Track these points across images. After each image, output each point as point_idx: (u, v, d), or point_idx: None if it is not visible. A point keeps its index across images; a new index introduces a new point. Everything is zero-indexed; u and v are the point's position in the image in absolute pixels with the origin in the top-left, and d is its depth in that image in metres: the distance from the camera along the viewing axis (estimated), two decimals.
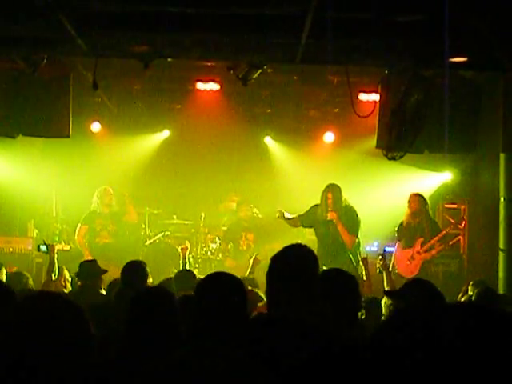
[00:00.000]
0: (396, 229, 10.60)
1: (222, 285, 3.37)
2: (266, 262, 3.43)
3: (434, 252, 10.23)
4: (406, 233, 10.44)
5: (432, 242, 10.22)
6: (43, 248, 8.01)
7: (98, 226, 11.14)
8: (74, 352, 2.26)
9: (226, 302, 3.26)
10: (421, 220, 10.33)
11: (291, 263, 3.33)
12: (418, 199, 10.40)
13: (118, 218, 11.26)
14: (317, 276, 3.37)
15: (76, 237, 11.11)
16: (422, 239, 10.26)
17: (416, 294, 4.05)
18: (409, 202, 10.45)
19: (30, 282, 7.46)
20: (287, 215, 9.90)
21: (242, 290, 3.38)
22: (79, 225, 11.14)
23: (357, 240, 9.58)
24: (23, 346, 2.22)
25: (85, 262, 7.29)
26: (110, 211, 11.23)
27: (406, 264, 10.23)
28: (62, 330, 2.27)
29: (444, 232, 10.45)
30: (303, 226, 10.13)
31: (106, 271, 7.20)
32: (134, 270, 6.12)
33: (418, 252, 10.24)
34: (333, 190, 9.63)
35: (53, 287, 7.48)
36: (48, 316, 2.29)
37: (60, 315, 2.30)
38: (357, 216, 9.62)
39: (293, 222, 10.09)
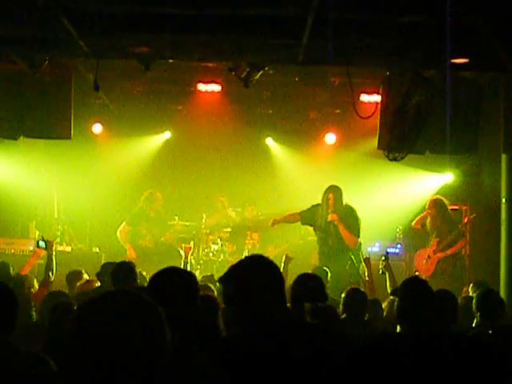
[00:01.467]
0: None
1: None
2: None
3: (449, 251, 10.56)
4: (425, 234, 10.91)
5: (448, 240, 10.45)
6: (42, 244, 8.03)
7: (144, 229, 11.30)
8: (155, 352, 2.18)
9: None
10: (437, 222, 10.74)
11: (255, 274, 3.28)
12: (433, 203, 10.84)
13: (163, 225, 11.42)
14: (281, 285, 3.32)
15: (119, 233, 11.22)
16: (438, 239, 10.54)
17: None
18: (425, 207, 10.95)
19: (35, 284, 7.45)
20: (279, 218, 10.01)
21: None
22: (124, 223, 11.26)
23: (358, 240, 9.60)
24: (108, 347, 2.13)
25: (108, 263, 7.22)
26: (158, 216, 11.41)
27: (423, 263, 10.81)
28: (147, 330, 2.18)
29: (457, 230, 10.66)
30: (302, 223, 10.14)
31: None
32: (123, 271, 6.09)
33: (434, 251, 10.66)
34: (334, 191, 9.67)
35: (51, 285, 7.45)
36: (132, 316, 2.16)
37: (142, 315, 2.18)
38: (357, 216, 9.64)
39: (292, 218, 10.12)
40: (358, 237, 9.59)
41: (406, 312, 3.70)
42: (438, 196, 11.04)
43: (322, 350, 3.13)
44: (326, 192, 9.73)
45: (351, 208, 9.70)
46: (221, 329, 4.23)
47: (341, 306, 5.92)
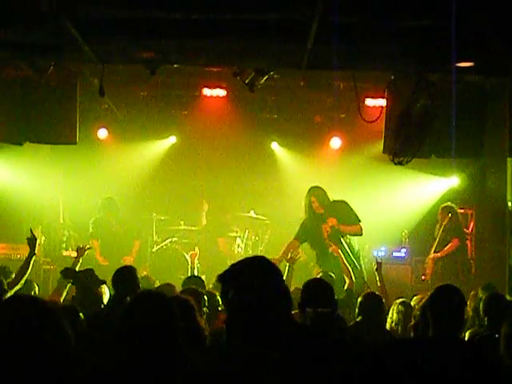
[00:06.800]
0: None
1: None
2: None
3: (440, 253, 10.68)
4: (430, 239, 11.03)
5: (440, 241, 10.69)
6: None
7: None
8: (46, 356, 2.26)
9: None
10: (440, 228, 10.78)
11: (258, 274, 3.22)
12: (440, 210, 10.87)
13: None
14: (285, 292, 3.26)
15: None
16: (436, 243, 10.77)
17: None
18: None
19: (36, 290, 7.42)
20: (279, 256, 9.04)
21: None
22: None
23: (361, 226, 9.37)
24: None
25: (81, 270, 7.06)
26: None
27: (425, 268, 10.94)
28: (33, 334, 2.27)
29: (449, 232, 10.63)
30: (302, 242, 9.66)
31: (104, 282, 6.82)
32: (123, 276, 6.04)
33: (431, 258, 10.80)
34: (314, 192, 9.47)
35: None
36: (18, 320, 2.29)
37: (30, 319, 2.29)
38: (348, 205, 9.46)
39: (291, 247, 9.35)
40: (359, 222, 9.37)
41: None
42: (448, 203, 10.98)
43: (321, 355, 3.10)
44: (306, 196, 9.49)
45: (339, 201, 9.52)
46: (203, 329, 4.24)
47: (356, 309, 6.02)
